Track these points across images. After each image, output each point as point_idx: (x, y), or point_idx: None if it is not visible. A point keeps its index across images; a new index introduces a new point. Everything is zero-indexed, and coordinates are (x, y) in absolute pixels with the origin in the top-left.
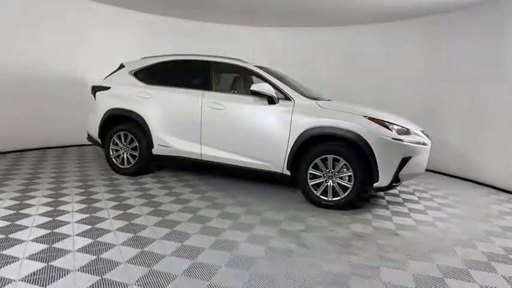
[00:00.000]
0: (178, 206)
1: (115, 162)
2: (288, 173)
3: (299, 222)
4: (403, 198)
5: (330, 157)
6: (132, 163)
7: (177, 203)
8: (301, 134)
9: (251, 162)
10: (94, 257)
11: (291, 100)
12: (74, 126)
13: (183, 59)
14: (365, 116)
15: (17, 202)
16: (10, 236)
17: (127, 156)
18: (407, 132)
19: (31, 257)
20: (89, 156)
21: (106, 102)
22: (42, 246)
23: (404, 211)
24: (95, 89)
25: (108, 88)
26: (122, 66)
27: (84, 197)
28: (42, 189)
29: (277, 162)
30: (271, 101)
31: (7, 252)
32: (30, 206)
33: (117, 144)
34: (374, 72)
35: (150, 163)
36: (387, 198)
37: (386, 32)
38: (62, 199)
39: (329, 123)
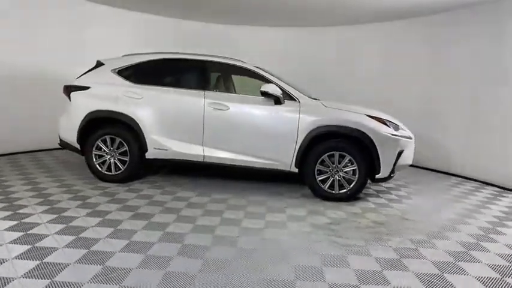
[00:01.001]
0: (196, 210)
1: (99, 169)
2: (296, 170)
3: (321, 215)
4: (385, 187)
5: (337, 153)
6: (122, 169)
7: (192, 207)
8: (310, 133)
9: (258, 161)
10: (163, 272)
11: (295, 100)
12: (24, 130)
13: (178, 57)
14: (366, 115)
15: (16, 222)
16: (46, 260)
17: (114, 162)
18: (397, 127)
19: (95, 280)
20: (51, 163)
21: (86, 104)
22: (97, 268)
23: (395, 198)
24: (70, 89)
25: (87, 88)
26: (100, 63)
27: (90, 210)
28: (31, 205)
29: (286, 160)
30: (277, 101)
31: (64, 279)
32: (36, 224)
33: (101, 149)
34: (374, 72)
35: (140, 168)
36: (373, 188)
37: (386, 32)
38: (66, 214)
39: (335, 122)
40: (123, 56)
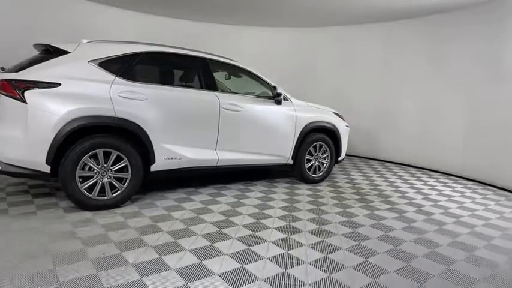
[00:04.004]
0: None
1: (87, 194)
2: (292, 162)
3: (329, 195)
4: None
5: (318, 144)
6: (121, 189)
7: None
8: (303, 129)
9: (266, 158)
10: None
11: (288, 100)
12: None
13: (177, 52)
14: (332, 112)
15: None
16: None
17: (109, 182)
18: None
19: None
20: None
21: (62, 107)
22: None
23: (348, 176)
24: (22, 86)
25: (55, 85)
26: (60, 51)
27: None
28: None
29: (286, 155)
30: (278, 101)
31: None
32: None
33: (85, 168)
34: (373, 72)
35: (141, 184)
36: None
37: (385, 32)
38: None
39: (319, 119)
40: (92, 42)
